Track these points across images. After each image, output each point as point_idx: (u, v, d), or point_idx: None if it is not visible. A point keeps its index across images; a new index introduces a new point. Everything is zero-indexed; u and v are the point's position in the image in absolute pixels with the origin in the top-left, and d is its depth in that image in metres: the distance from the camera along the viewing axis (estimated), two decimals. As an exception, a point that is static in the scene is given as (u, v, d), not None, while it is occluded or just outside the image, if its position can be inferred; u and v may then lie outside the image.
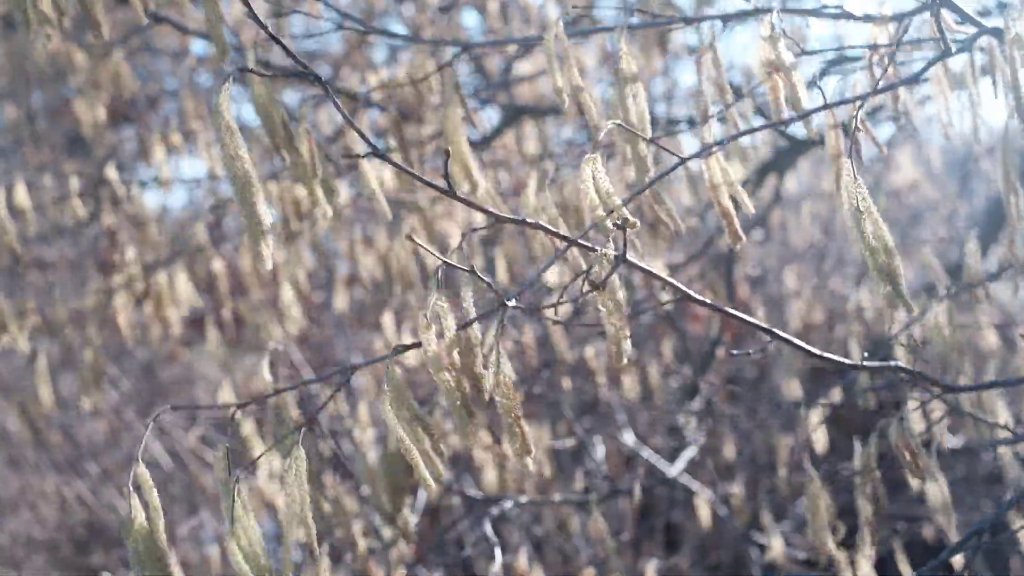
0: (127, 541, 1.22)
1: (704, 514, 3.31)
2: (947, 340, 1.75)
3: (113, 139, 4.17)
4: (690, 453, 2.86)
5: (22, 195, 2.75)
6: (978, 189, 4.60)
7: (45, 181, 3.49)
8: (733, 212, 1.40)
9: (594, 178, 1.24)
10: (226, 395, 2.76)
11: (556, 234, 1.36)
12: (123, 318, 2.96)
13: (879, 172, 4.50)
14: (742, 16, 1.41)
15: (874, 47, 1.53)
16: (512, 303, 1.27)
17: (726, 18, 1.46)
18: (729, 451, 3.50)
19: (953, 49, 1.38)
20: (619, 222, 1.21)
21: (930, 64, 1.46)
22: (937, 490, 1.61)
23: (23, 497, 4.56)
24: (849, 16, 1.54)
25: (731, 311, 1.39)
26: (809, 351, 1.38)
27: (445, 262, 1.27)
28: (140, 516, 1.22)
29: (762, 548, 3.29)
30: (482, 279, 1.27)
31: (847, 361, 1.39)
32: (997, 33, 1.40)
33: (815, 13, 1.58)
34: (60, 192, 3.36)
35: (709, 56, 1.32)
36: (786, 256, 4.54)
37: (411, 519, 2.40)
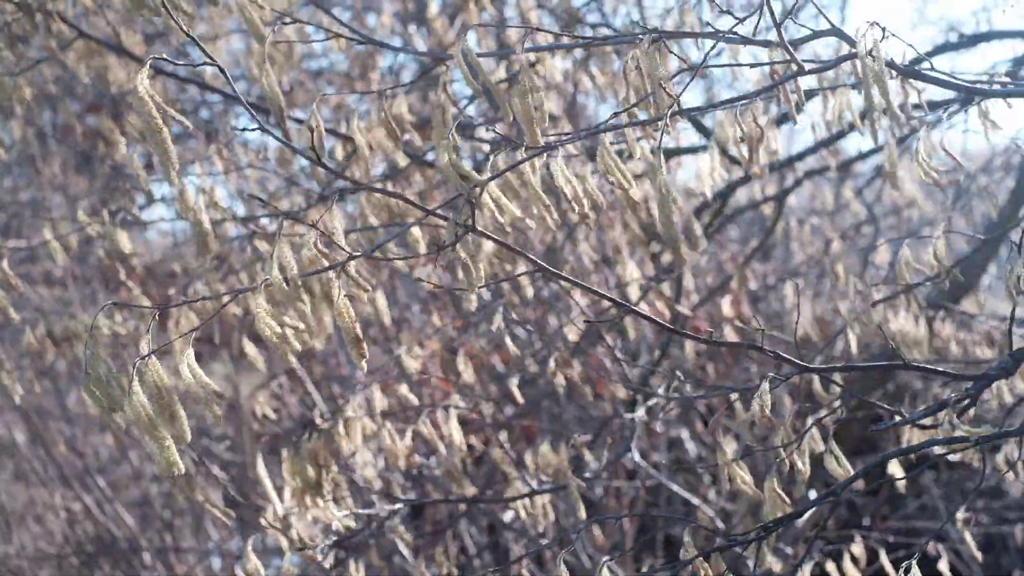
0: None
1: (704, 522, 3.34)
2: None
3: (120, 156, 4.22)
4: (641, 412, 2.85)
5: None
6: (977, 204, 4.64)
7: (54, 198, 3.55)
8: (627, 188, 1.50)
9: (451, 161, 1.44)
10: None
11: (419, 207, 1.57)
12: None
13: (879, 188, 4.55)
14: (666, 37, 1.46)
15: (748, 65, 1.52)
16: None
17: (658, 37, 1.49)
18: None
19: (806, 68, 1.45)
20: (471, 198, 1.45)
21: (781, 81, 1.52)
22: (835, 465, 1.67)
23: (30, 510, 4.59)
24: (746, 40, 1.55)
25: (639, 313, 1.51)
26: (679, 333, 1.48)
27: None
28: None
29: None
30: (328, 236, 1.50)
31: (701, 338, 1.52)
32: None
33: (703, 35, 1.58)
34: (69, 209, 3.41)
35: (633, 73, 1.41)
36: (787, 271, 4.58)
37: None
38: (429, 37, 4.08)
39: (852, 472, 1.54)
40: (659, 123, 1.39)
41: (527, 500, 2.68)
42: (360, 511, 2.36)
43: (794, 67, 1.52)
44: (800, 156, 3.39)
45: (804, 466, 1.70)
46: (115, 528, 4.33)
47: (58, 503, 4.40)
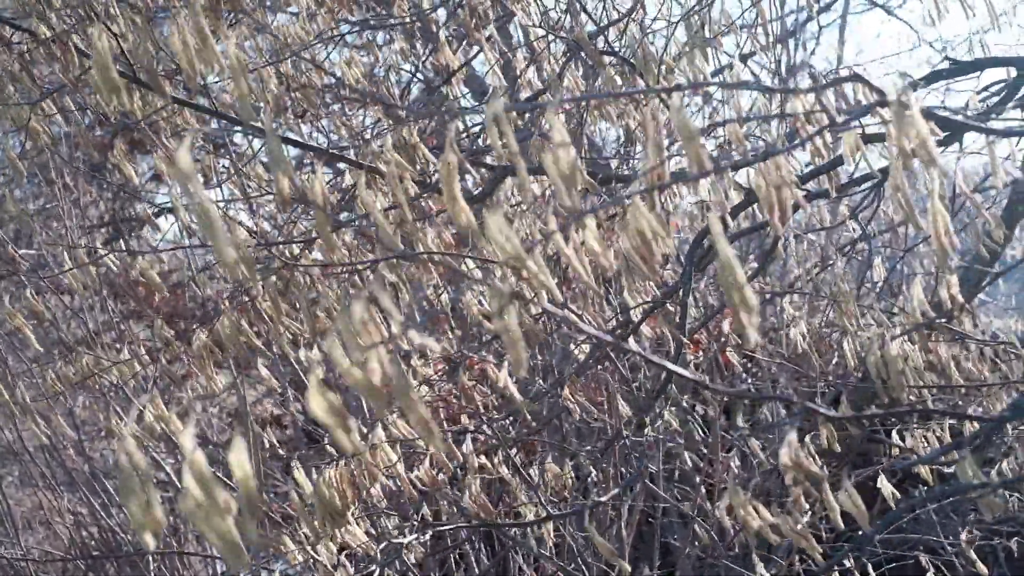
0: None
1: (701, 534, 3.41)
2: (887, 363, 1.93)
3: (129, 169, 4.29)
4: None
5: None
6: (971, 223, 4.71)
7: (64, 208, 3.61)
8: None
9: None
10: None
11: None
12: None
13: (875, 206, 4.61)
14: (671, 90, 1.50)
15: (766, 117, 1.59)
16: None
17: (666, 91, 1.55)
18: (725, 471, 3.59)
19: (839, 119, 1.48)
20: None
21: (815, 133, 1.57)
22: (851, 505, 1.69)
23: (36, 514, 4.65)
24: (766, 89, 1.62)
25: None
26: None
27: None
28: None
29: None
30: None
31: (741, 392, 1.49)
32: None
33: (740, 86, 1.64)
34: (79, 219, 3.48)
35: (652, 125, 1.42)
36: (784, 287, 4.66)
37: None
38: (435, 54, 4.15)
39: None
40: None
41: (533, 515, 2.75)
42: (379, 534, 2.38)
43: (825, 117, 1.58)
44: (802, 180, 3.46)
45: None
46: (120, 532, 4.38)
47: (64, 507, 4.45)
